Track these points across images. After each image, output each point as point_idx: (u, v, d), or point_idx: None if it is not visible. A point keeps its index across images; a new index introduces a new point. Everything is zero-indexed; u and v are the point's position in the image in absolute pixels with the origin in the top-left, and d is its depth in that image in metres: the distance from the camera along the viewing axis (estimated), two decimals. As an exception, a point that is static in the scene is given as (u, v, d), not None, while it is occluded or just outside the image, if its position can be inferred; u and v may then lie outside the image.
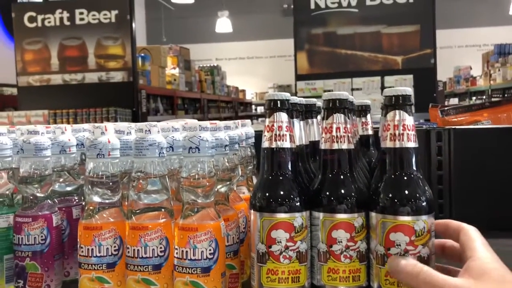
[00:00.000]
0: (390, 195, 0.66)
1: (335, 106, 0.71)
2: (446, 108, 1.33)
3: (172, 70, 5.77)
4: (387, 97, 0.69)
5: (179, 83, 5.75)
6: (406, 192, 0.66)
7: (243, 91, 8.65)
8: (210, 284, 0.70)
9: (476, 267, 0.58)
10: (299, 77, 4.60)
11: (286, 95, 0.72)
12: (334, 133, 0.71)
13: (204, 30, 8.84)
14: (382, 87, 4.33)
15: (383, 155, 0.69)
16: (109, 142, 0.76)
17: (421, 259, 0.64)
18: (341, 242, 0.68)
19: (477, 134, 1.21)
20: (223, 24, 8.40)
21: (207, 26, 8.71)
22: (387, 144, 0.68)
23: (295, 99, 0.80)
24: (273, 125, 0.71)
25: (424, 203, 0.65)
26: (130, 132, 0.85)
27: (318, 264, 0.70)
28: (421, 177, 0.68)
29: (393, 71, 4.66)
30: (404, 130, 0.66)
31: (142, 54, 5.16)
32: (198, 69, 6.78)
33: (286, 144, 0.70)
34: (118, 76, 4.81)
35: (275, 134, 0.70)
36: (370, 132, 1.13)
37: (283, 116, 0.71)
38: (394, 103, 0.68)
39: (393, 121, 0.67)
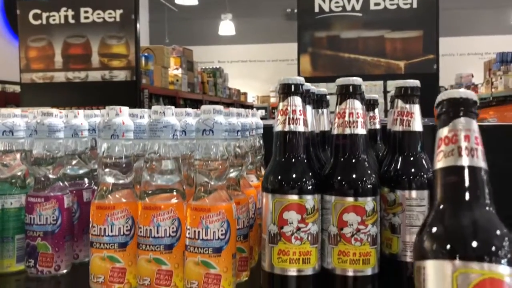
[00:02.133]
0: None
1: (349, 92, 0.72)
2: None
3: (175, 70, 5.78)
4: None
5: (181, 84, 5.76)
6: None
7: (245, 94, 8.67)
8: (221, 265, 0.71)
9: None
10: (302, 80, 4.59)
11: (300, 79, 0.73)
12: (347, 118, 0.72)
13: (207, 33, 8.87)
14: (385, 92, 4.34)
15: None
16: (123, 123, 0.77)
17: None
18: (352, 225, 0.69)
19: (483, 132, 1.22)
20: (226, 27, 8.43)
21: (210, 29, 8.74)
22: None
23: (308, 86, 0.81)
24: (287, 109, 0.72)
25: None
26: (143, 116, 0.86)
27: (329, 247, 0.71)
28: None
29: (396, 75, 4.67)
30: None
31: (146, 54, 5.18)
32: (201, 70, 6.80)
33: (300, 127, 0.71)
34: (121, 75, 4.82)
35: (289, 118, 0.71)
36: (378, 126, 1.14)
37: (297, 100, 0.72)
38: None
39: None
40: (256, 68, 9.29)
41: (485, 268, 0.49)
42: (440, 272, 0.50)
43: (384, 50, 4.75)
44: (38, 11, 4.97)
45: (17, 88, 5.55)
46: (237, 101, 7.98)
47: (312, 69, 5.03)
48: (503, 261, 0.49)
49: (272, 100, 8.56)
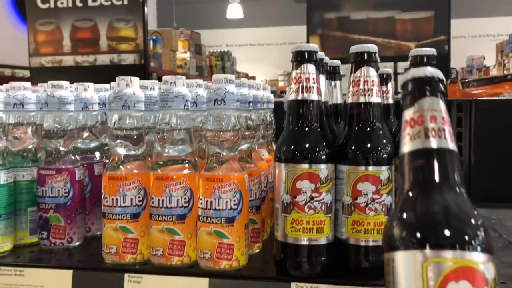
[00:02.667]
0: None
1: (364, 59, 0.71)
2: (467, 80, 1.32)
3: (183, 54, 5.76)
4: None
5: (189, 67, 5.74)
6: None
7: (253, 77, 8.62)
8: (233, 234, 0.71)
9: None
10: (311, 62, 4.56)
11: (314, 46, 0.71)
12: (361, 86, 0.70)
13: (215, 16, 8.80)
14: (395, 73, 4.29)
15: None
16: (134, 94, 0.76)
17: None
18: (367, 194, 0.68)
19: (499, 106, 1.20)
20: (234, 10, 8.35)
21: (218, 12, 8.66)
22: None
23: (322, 55, 0.80)
24: (300, 77, 0.70)
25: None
26: (153, 88, 0.85)
27: (343, 217, 0.70)
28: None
29: (406, 57, 4.61)
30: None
31: (154, 37, 5.15)
32: (209, 54, 6.77)
33: (314, 96, 0.70)
34: (129, 59, 4.81)
35: (302, 86, 0.70)
36: (391, 101, 1.12)
37: (311, 68, 0.70)
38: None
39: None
40: (264, 51, 9.22)
41: (458, 256, 0.45)
42: (410, 263, 0.47)
43: (395, 31, 4.69)
44: (46, -5, 4.95)
45: (27, 73, 5.56)
46: (245, 85, 7.94)
47: (321, 50, 4.98)
48: (476, 248, 0.46)
49: (281, 84, 8.51)
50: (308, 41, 4.58)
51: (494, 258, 0.47)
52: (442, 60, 4.36)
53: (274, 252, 0.72)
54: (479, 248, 0.46)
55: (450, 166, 0.49)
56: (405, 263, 0.47)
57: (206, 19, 8.82)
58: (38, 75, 4.90)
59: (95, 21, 4.87)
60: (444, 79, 0.52)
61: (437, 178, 0.49)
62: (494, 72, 7.33)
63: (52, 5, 4.90)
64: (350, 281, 0.67)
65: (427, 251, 0.46)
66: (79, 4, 4.87)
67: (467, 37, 8.92)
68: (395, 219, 0.50)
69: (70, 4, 4.87)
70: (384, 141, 0.70)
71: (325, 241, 0.69)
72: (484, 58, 8.14)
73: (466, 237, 0.46)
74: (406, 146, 0.51)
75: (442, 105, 0.50)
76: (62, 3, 4.87)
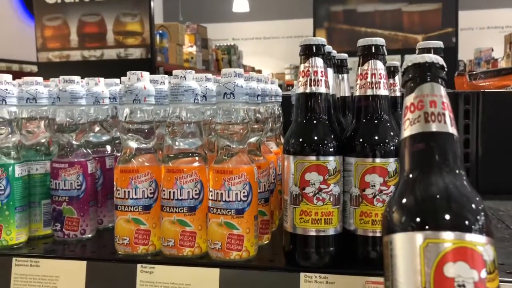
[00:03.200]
0: None
1: (371, 52, 0.71)
2: (474, 72, 1.32)
3: (189, 48, 5.76)
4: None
5: (196, 61, 5.75)
6: None
7: (260, 71, 8.62)
8: (243, 226, 0.72)
9: None
10: (317, 55, 4.56)
11: (322, 40, 0.72)
12: (369, 79, 0.71)
13: (221, 10, 8.79)
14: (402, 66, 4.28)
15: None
16: (145, 88, 0.78)
17: None
18: (374, 186, 0.69)
19: (506, 98, 1.20)
20: (240, 3, 8.33)
21: (224, 6, 8.65)
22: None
23: (329, 49, 0.80)
24: (308, 70, 0.71)
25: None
26: (164, 82, 0.86)
27: (351, 208, 0.71)
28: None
29: (414, 49, 4.60)
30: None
31: (160, 31, 5.17)
32: (215, 48, 6.77)
33: (322, 89, 0.71)
34: (136, 53, 4.83)
35: (310, 79, 0.71)
36: (398, 93, 1.12)
37: (319, 61, 0.71)
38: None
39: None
40: (270, 45, 9.20)
41: (455, 237, 0.45)
42: (407, 244, 0.47)
43: (402, 23, 4.67)
44: (53, -10, 4.97)
45: (34, 68, 5.60)
46: (252, 78, 7.94)
47: (328, 43, 4.97)
48: (474, 229, 0.46)
49: (287, 77, 8.49)
50: (314, 34, 4.57)
51: (493, 241, 0.47)
52: (450, 53, 4.33)
53: (283, 243, 0.73)
54: (477, 229, 0.46)
55: (449, 149, 0.49)
56: (403, 245, 0.47)
57: (212, 13, 8.82)
58: (46, 70, 4.93)
59: (102, 15, 4.89)
60: (444, 65, 0.52)
61: (436, 161, 0.49)
62: (502, 64, 7.27)
63: (59, 0, 4.92)
64: (358, 271, 0.69)
65: (425, 232, 0.46)
66: (86, -1, 4.89)
67: (475, 29, 8.85)
68: (393, 201, 0.50)
69: (77, -1, 4.89)
70: (392, 133, 0.71)
71: (333, 232, 0.70)
72: (492, 50, 8.07)
73: (464, 218, 0.46)
74: (406, 131, 0.51)
75: (442, 91, 0.50)
76: (69, -2, 4.90)
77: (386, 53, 0.74)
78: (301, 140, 0.70)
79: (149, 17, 4.73)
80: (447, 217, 0.46)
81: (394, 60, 1.12)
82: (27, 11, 6.61)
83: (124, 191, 0.77)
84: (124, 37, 4.88)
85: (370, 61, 0.71)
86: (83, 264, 0.76)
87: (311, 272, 0.69)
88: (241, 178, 0.72)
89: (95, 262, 0.76)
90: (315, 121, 0.71)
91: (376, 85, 0.71)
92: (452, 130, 0.50)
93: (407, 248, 0.47)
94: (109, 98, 0.95)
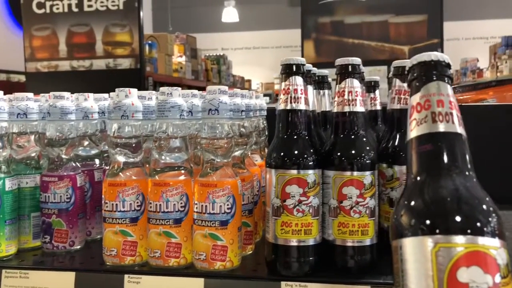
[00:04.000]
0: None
1: (348, 71, 0.75)
2: (453, 87, 1.36)
3: (178, 58, 5.80)
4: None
5: (185, 71, 5.78)
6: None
7: (249, 81, 8.67)
8: (227, 237, 0.75)
9: None
10: (305, 66, 4.62)
11: (301, 59, 0.76)
12: (346, 97, 0.75)
13: (210, 20, 8.85)
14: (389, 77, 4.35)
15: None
16: (133, 104, 0.81)
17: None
18: (351, 198, 0.73)
19: (483, 111, 1.25)
20: (230, 13, 8.40)
21: (213, 16, 8.72)
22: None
23: (309, 67, 0.84)
24: (288, 88, 0.75)
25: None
26: (151, 98, 0.89)
27: (329, 219, 0.75)
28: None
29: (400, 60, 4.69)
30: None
31: (149, 42, 5.19)
32: (205, 58, 6.81)
33: (301, 106, 0.74)
34: (125, 63, 4.84)
35: (291, 97, 0.74)
36: (379, 107, 1.16)
37: (299, 79, 0.75)
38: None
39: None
40: (260, 55, 9.28)
41: (468, 241, 0.44)
42: (418, 249, 0.45)
43: (388, 35, 4.76)
44: (42, 0, 4.98)
45: (22, 78, 5.59)
46: (241, 88, 7.99)
47: (316, 55, 5.03)
48: (487, 232, 0.44)
49: (276, 87, 8.56)
50: (302, 45, 4.63)
51: (506, 244, 0.45)
52: (435, 63, 4.42)
53: (265, 253, 0.77)
54: (490, 232, 0.44)
55: (458, 149, 0.47)
56: (414, 250, 0.45)
57: (202, 23, 8.87)
58: (34, 80, 4.93)
59: (91, 26, 4.91)
60: (450, 63, 0.51)
61: (445, 162, 0.47)
62: (487, 75, 7.41)
63: (48, 10, 4.93)
64: (336, 279, 0.72)
65: (436, 236, 0.44)
66: (74, 9, 4.91)
67: (461, 39, 9.00)
68: (402, 205, 0.48)
69: (66, 9, 4.91)
70: (368, 147, 0.75)
71: (313, 242, 0.73)
72: (477, 61, 8.22)
73: (477, 221, 0.44)
74: (413, 132, 0.49)
75: (449, 89, 0.48)
76: (58, 8, 4.91)
77: (363, 71, 0.78)
78: (282, 154, 0.74)
79: (138, 28, 4.76)
80: (459, 220, 0.44)
81: (380, 71, 1.16)
82: (15, 21, 6.60)
83: (112, 204, 0.79)
84: (113, 47, 4.90)
85: (347, 79, 0.75)
86: (72, 275, 0.78)
87: (292, 281, 0.72)
88: (225, 191, 0.75)
89: (83, 273, 0.79)
90: (295, 136, 0.74)
91: (353, 103, 0.75)
92: (461, 130, 0.48)
93: (418, 252, 0.45)
94: (98, 112, 0.98)
